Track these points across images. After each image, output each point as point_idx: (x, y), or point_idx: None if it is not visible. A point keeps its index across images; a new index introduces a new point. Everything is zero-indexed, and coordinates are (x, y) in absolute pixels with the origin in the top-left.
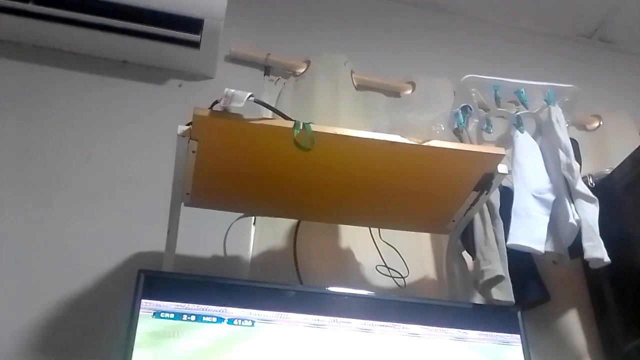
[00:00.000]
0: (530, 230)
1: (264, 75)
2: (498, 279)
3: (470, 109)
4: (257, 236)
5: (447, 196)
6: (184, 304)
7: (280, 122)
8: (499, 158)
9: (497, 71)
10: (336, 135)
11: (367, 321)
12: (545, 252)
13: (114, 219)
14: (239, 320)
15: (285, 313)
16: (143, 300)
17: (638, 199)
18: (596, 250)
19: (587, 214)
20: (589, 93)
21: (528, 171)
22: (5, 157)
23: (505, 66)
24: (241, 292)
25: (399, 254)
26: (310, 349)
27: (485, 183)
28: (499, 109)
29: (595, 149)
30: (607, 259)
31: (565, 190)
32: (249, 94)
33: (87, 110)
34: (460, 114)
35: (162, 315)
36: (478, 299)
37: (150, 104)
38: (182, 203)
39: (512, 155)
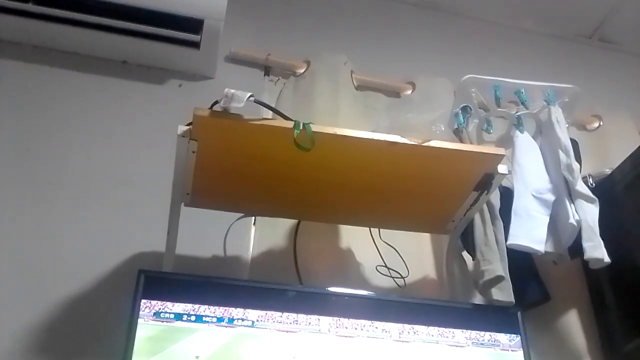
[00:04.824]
0: (530, 230)
1: (264, 75)
2: (498, 279)
3: (470, 109)
4: (257, 236)
5: (447, 196)
6: (184, 304)
7: (280, 122)
8: (499, 158)
9: (497, 71)
10: (336, 135)
11: (367, 321)
12: (545, 252)
13: (114, 219)
14: (239, 321)
15: (285, 313)
16: (143, 300)
17: (638, 199)
18: (596, 250)
19: (587, 214)
20: (589, 93)
21: (528, 171)
22: (5, 157)
23: (505, 66)
24: (241, 292)
25: (399, 254)
26: (310, 349)
27: (485, 183)
28: (499, 109)
29: (595, 149)
30: (607, 259)
31: (565, 190)
32: (249, 94)
33: (87, 110)
34: (460, 114)
35: (162, 315)
36: (478, 299)
37: (150, 104)
38: (182, 203)
39: (512, 155)
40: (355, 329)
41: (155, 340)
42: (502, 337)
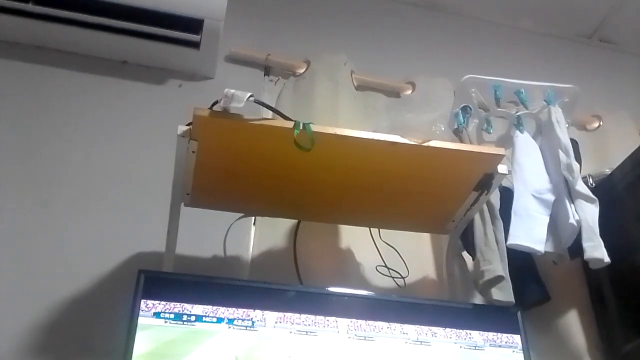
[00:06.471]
0: (530, 230)
1: (264, 75)
2: (498, 279)
3: (470, 109)
4: (257, 236)
5: (447, 196)
6: (184, 304)
7: (280, 122)
8: (499, 158)
9: (497, 71)
10: (336, 135)
11: (367, 321)
12: (545, 252)
13: (114, 219)
14: (239, 321)
15: (285, 313)
16: (143, 300)
17: (638, 199)
18: (596, 250)
19: (587, 214)
20: (589, 93)
21: (528, 171)
22: (5, 157)
23: (505, 66)
24: (241, 292)
25: (399, 254)
26: (310, 350)
27: (485, 183)
28: (499, 109)
29: (595, 149)
30: (607, 259)
31: (565, 190)
32: (249, 94)
33: (87, 110)
34: (460, 114)
35: (162, 315)
36: (478, 299)
37: (150, 104)
38: (182, 203)
39: (512, 155)
40: (356, 329)
41: (154, 341)
42: (502, 337)
